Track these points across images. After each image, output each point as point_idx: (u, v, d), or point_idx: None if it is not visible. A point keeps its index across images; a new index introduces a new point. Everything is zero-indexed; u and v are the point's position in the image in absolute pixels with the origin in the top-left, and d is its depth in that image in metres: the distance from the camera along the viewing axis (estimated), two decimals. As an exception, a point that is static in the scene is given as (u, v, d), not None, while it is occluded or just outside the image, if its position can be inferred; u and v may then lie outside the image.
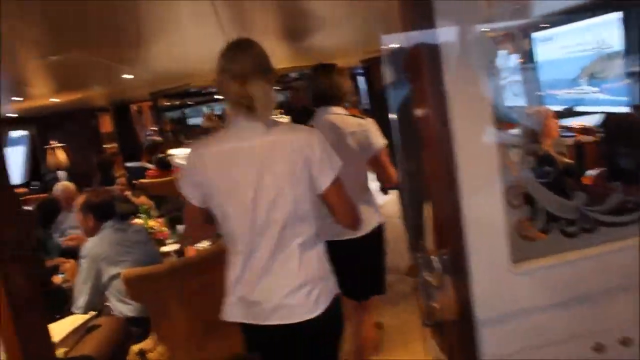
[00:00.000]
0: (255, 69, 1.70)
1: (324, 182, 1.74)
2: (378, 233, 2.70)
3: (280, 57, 7.46)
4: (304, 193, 1.72)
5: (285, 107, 11.72)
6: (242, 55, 1.71)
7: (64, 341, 2.39)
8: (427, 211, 2.14)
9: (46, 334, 1.60)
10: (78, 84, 6.25)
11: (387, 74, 3.78)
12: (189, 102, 16.23)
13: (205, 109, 18.80)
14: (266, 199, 1.69)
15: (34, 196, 7.38)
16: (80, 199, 3.09)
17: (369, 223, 2.57)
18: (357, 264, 2.57)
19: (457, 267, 1.29)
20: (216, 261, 2.83)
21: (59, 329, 2.43)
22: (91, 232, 2.98)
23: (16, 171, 8.88)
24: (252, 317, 1.77)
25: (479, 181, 1.26)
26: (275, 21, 4.14)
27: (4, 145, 7.70)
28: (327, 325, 1.82)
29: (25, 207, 4.87)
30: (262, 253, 1.72)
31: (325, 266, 1.82)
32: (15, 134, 8.76)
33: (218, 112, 17.36)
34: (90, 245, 2.91)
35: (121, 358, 2.53)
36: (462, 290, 1.29)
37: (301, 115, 3.46)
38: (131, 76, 5.97)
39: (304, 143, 1.71)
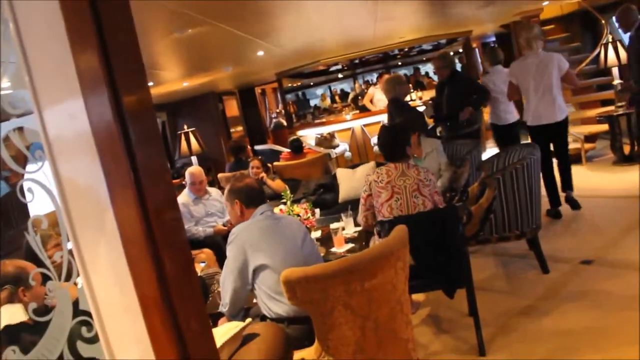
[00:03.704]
0: None
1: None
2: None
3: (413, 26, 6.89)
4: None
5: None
6: None
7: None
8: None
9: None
10: (208, 65, 6.07)
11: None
12: (310, 83, 16.04)
13: (319, 91, 18.44)
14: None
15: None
16: (227, 187, 2.75)
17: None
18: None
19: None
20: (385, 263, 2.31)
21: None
22: (240, 221, 2.62)
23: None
24: None
25: None
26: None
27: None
28: None
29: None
30: None
31: None
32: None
33: (338, 92, 16.99)
34: (238, 230, 2.53)
35: (283, 372, 2.10)
36: None
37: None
38: (261, 52, 5.66)
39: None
